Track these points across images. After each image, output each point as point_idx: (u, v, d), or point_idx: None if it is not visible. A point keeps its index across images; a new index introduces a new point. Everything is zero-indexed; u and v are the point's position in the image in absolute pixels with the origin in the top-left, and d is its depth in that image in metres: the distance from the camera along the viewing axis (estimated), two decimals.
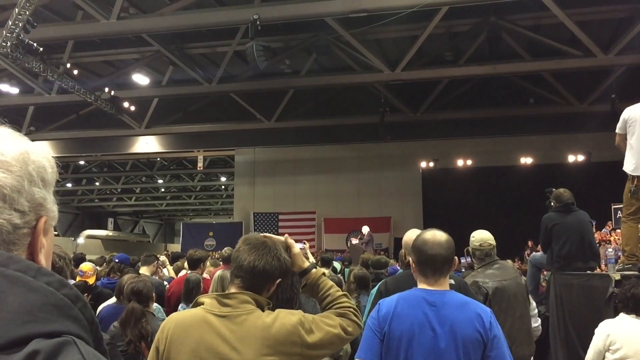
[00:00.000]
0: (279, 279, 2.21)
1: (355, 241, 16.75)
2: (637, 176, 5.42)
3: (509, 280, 4.41)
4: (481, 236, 4.62)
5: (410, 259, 2.80)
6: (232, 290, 2.15)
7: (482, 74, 14.44)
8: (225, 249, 7.75)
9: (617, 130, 5.67)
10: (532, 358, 4.70)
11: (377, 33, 13.54)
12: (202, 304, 2.14)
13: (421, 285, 2.66)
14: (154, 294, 4.38)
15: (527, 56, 14.04)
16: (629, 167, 5.49)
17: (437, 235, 2.68)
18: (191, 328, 2.06)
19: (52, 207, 0.94)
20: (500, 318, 4.05)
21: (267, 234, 2.29)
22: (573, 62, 13.26)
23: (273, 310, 2.14)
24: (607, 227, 13.54)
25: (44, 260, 0.91)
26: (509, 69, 14.22)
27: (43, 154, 0.94)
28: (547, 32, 13.54)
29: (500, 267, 4.51)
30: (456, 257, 2.75)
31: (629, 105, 5.73)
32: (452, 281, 3.41)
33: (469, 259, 8.77)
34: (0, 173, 0.86)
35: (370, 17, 11.36)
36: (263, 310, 2.10)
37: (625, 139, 5.56)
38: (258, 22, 10.72)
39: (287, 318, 2.07)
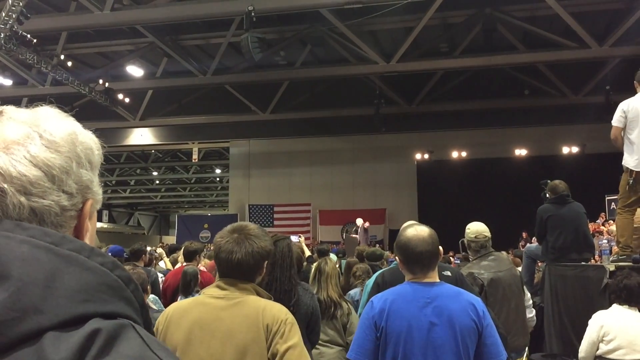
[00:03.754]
0: (265, 262, 2.28)
1: (354, 236, 16.75)
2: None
3: (504, 272, 4.44)
4: (476, 228, 4.63)
5: (397, 257, 2.78)
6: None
7: (477, 65, 14.44)
8: None
9: (615, 123, 5.51)
10: (526, 348, 4.74)
11: (372, 24, 13.50)
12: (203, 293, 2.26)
13: (411, 280, 2.65)
14: (148, 287, 4.38)
15: (522, 48, 14.05)
16: (631, 163, 5.39)
17: (419, 231, 2.64)
18: (188, 310, 2.16)
19: (98, 189, 0.93)
20: (496, 309, 4.08)
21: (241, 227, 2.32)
22: (568, 53, 13.27)
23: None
24: (600, 219, 13.62)
25: (89, 244, 0.89)
26: (504, 60, 14.23)
27: (90, 135, 0.95)
28: (542, 23, 13.54)
29: (495, 258, 4.53)
30: (440, 247, 2.76)
31: (623, 97, 5.66)
32: (449, 272, 3.43)
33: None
34: (49, 153, 0.84)
35: (365, 8, 11.33)
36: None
37: (623, 132, 5.49)
38: (253, 14, 10.69)
39: (277, 308, 2.16)
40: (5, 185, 0.80)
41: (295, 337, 2.14)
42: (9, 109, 0.88)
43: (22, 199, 0.81)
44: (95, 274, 0.77)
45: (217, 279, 2.28)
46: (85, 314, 0.73)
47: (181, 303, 2.25)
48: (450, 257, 12.59)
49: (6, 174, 0.80)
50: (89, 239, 0.91)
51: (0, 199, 0.80)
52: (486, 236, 4.61)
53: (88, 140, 0.93)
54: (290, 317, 2.16)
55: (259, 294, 2.18)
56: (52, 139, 0.86)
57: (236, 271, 2.18)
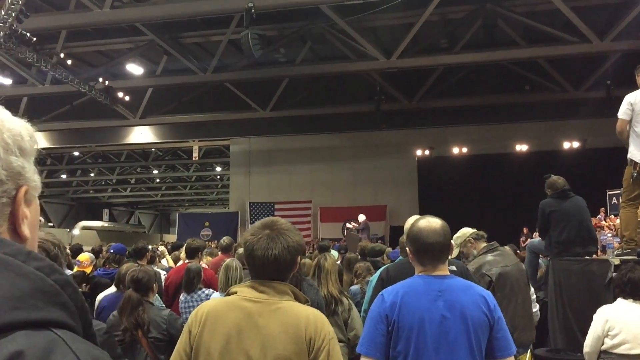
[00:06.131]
0: (299, 257, 2.25)
1: (349, 225, 16.73)
2: None
3: (511, 267, 4.44)
4: (467, 229, 4.69)
5: (407, 248, 2.77)
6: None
7: (477, 61, 14.40)
8: (224, 238, 7.75)
9: (621, 116, 5.44)
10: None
11: (372, 21, 13.47)
12: (235, 292, 2.18)
13: (421, 272, 2.63)
14: (155, 285, 4.36)
15: (522, 43, 14.00)
16: (637, 156, 5.34)
17: (432, 223, 2.62)
18: (224, 314, 2.10)
19: (33, 176, 0.91)
20: (503, 304, 4.07)
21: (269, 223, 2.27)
22: (568, 48, 13.22)
23: None
24: (601, 214, 13.57)
25: (28, 231, 0.88)
26: (505, 55, 14.19)
27: (20, 122, 0.92)
28: (543, 18, 13.48)
29: (501, 253, 4.54)
30: (452, 242, 2.74)
31: (624, 91, 5.61)
32: (454, 267, 3.41)
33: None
34: None
35: (365, 4, 11.31)
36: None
37: (628, 125, 5.44)
38: (253, 11, 10.66)
39: (320, 319, 2.12)
40: None
41: (339, 354, 2.11)
42: None
43: None
44: (30, 280, 0.74)
45: (249, 279, 2.22)
46: (14, 322, 0.70)
47: (214, 304, 2.18)
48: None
49: None
50: (29, 226, 0.89)
51: None
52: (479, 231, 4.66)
53: (17, 127, 0.89)
54: (331, 330, 2.12)
55: (296, 296, 2.14)
56: None
57: (272, 268, 2.12)
